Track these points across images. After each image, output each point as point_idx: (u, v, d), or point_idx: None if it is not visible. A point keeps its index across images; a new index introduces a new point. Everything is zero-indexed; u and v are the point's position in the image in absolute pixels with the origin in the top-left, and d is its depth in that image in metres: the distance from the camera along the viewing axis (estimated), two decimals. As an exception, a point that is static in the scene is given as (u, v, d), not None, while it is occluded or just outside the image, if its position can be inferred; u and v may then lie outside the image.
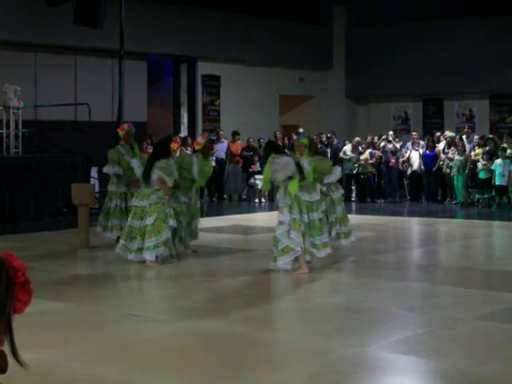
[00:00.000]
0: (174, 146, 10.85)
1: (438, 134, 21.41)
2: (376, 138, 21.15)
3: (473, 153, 19.35)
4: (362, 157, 20.58)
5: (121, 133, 11.67)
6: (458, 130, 22.89)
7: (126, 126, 11.88)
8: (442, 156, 19.80)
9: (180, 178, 10.67)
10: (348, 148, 20.98)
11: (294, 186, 9.41)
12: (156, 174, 10.08)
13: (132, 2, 18.80)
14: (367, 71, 25.50)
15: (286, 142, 21.81)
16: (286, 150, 11.94)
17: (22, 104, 17.39)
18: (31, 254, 11.00)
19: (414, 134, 21.21)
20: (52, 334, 6.71)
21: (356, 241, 11.24)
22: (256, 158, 20.93)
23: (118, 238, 10.95)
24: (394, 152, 20.68)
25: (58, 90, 19.90)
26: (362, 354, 5.95)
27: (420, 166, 20.25)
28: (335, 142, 21.94)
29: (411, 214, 17.95)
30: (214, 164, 12.34)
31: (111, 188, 11.68)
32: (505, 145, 18.75)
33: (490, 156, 18.67)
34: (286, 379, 5.40)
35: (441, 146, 20.04)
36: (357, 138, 21.26)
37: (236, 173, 21.54)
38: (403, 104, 25.92)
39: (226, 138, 21.89)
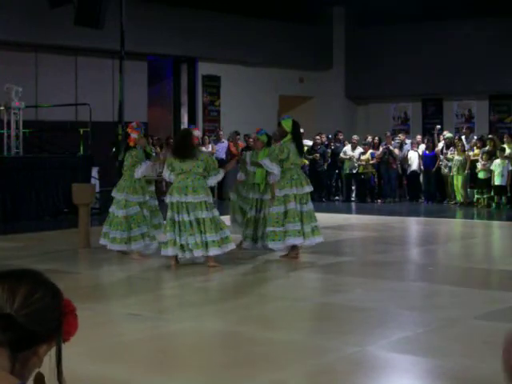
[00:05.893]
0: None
1: (439, 126, 21.44)
2: (377, 138, 21.14)
3: (472, 153, 19.37)
4: (363, 157, 20.59)
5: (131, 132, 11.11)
6: (458, 131, 22.91)
7: (134, 124, 11.24)
8: (441, 156, 19.83)
9: None
10: (348, 148, 21.00)
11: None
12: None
13: (132, 2, 18.82)
14: (367, 71, 25.50)
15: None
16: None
17: (22, 104, 17.40)
18: (31, 254, 11.01)
19: (402, 136, 21.45)
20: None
21: (357, 240, 11.26)
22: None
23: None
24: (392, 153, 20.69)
25: (58, 91, 19.91)
26: (362, 354, 5.97)
27: (419, 166, 20.26)
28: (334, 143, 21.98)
29: (410, 213, 17.96)
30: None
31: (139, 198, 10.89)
32: (505, 145, 18.77)
33: (490, 156, 18.69)
34: (285, 379, 5.41)
35: (440, 146, 20.05)
36: (355, 136, 21.28)
37: (236, 173, 21.49)
38: (403, 104, 25.92)
39: (228, 139, 21.89)
